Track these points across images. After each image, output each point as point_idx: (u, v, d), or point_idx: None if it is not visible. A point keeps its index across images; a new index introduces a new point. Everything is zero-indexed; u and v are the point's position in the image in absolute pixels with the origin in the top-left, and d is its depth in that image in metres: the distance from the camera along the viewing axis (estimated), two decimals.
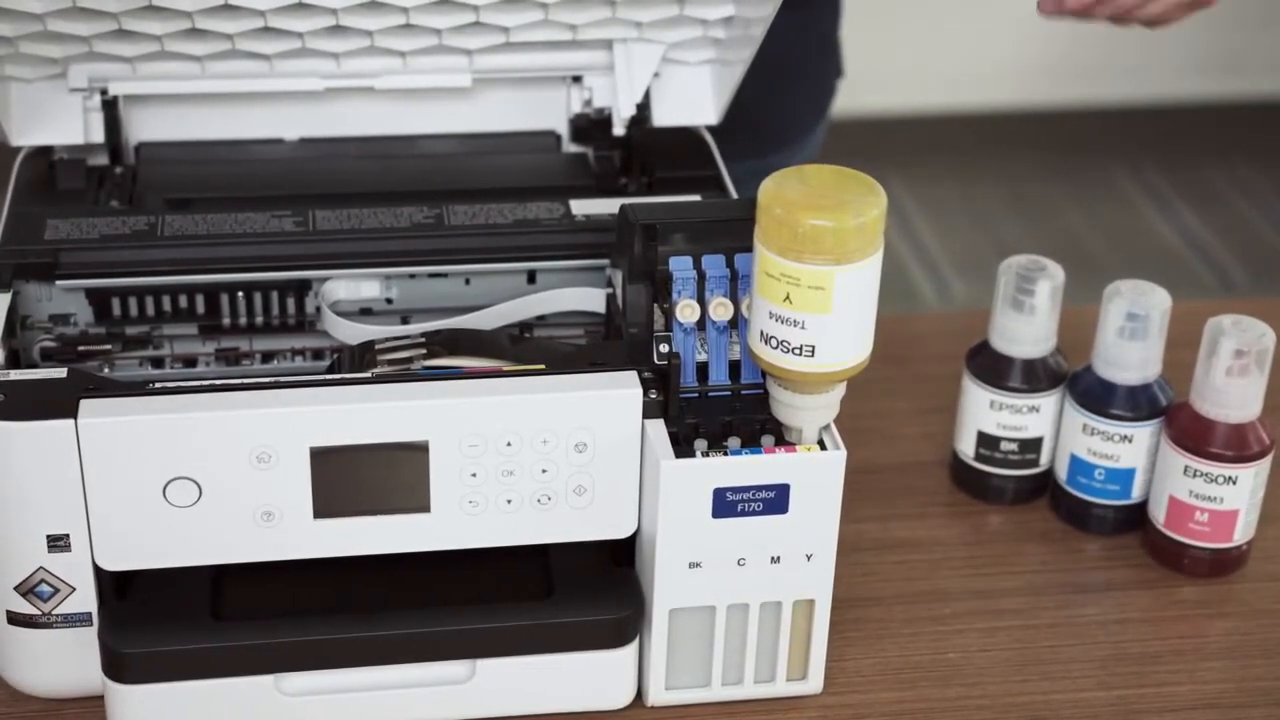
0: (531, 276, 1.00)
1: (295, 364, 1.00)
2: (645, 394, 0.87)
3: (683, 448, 0.87)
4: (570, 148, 1.12)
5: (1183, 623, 1.01)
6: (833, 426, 0.88)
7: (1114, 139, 3.29)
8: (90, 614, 0.88)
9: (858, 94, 3.28)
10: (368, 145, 1.10)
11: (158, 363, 0.99)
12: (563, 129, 1.12)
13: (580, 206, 1.01)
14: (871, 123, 3.20)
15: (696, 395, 0.89)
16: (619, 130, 1.09)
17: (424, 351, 0.91)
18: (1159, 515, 1.04)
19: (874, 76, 3.29)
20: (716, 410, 0.89)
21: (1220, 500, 1.01)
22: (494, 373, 0.88)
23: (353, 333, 0.96)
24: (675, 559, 0.88)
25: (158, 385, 0.85)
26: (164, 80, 1.05)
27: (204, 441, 0.84)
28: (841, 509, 0.88)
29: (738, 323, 0.89)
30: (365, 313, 1.00)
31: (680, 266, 0.88)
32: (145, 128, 1.08)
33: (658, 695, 0.92)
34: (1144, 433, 1.04)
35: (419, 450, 0.85)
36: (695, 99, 1.11)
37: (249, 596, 0.90)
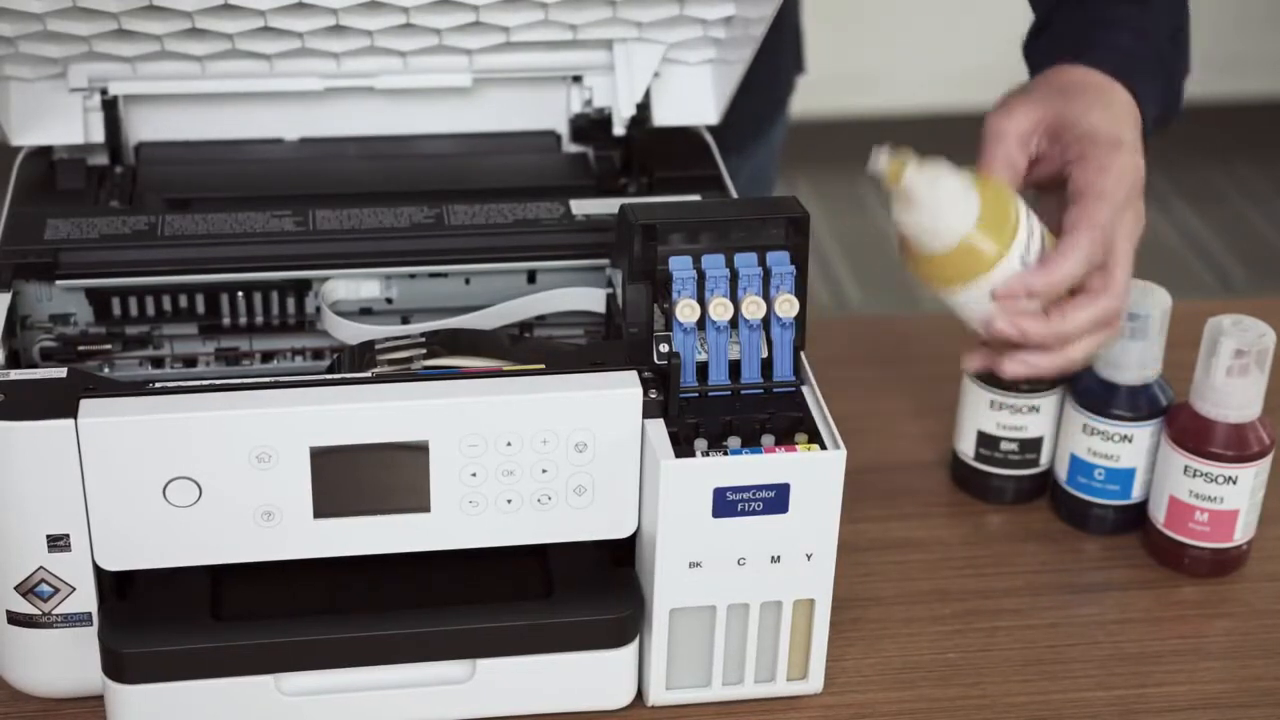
0: (531, 276, 1.00)
1: (295, 364, 1.00)
2: (645, 394, 0.87)
3: (683, 447, 0.87)
4: (570, 148, 1.11)
5: (1183, 623, 1.01)
6: (833, 426, 0.88)
7: None
8: (90, 614, 0.88)
9: (858, 94, 3.28)
10: (368, 145, 1.10)
11: (158, 363, 0.99)
12: (563, 129, 1.12)
13: (580, 206, 1.01)
14: (872, 123, 3.20)
15: (696, 395, 0.89)
16: (619, 130, 1.09)
17: (424, 351, 0.91)
18: (1159, 515, 1.04)
19: (874, 77, 3.29)
20: (716, 410, 0.89)
21: (1220, 500, 1.01)
22: (494, 373, 0.88)
23: (353, 333, 0.96)
24: (675, 559, 0.88)
25: (158, 385, 0.85)
26: (164, 80, 1.05)
27: (204, 441, 0.84)
28: (841, 509, 0.88)
29: (738, 322, 0.89)
30: (365, 313, 1.00)
31: (680, 266, 0.88)
32: (145, 128, 1.08)
33: (658, 695, 0.92)
34: (1144, 433, 1.04)
35: (419, 450, 0.85)
36: (695, 99, 1.11)
37: (249, 596, 0.90)
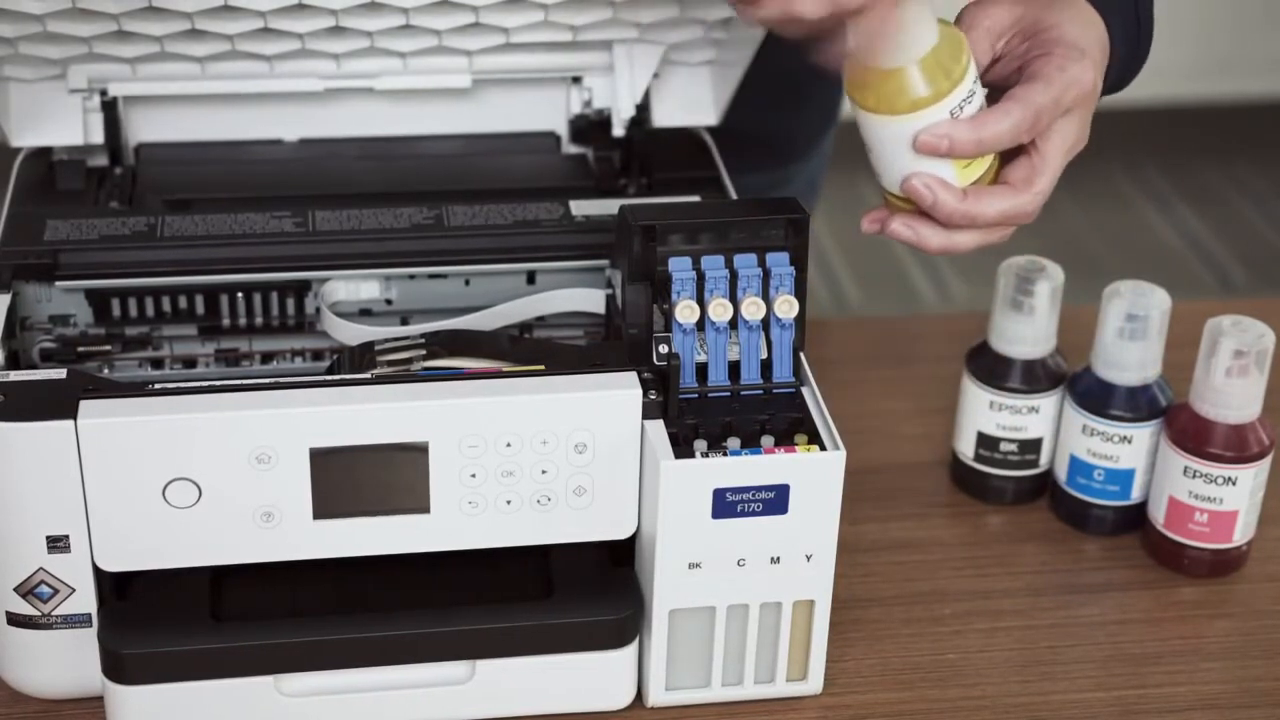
0: (531, 277, 1.00)
1: (295, 365, 1.00)
2: (645, 394, 0.87)
3: (682, 448, 0.87)
4: (570, 148, 1.11)
5: (1183, 623, 1.01)
6: (832, 427, 0.88)
7: (1114, 139, 3.29)
8: (90, 615, 0.88)
9: None
10: (367, 146, 1.10)
11: (157, 363, 0.99)
12: (562, 130, 1.12)
13: (580, 207, 1.01)
14: None
15: (696, 396, 0.89)
16: (619, 131, 1.09)
17: (424, 352, 0.91)
18: (1159, 516, 1.04)
19: None
20: (716, 410, 0.89)
21: (1220, 501, 1.01)
22: (493, 373, 0.88)
23: (352, 333, 0.96)
24: (675, 559, 0.88)
25: (157, 386, 0.86)
26: (164, 81, 1.05)
27: (204, 442, 0.84)
28: (841, 509, 0.88)
29: (737, 323, 0.89)
30: (365, 313, 1.00)
31: (679, 267, 0.88)
32: (145, 128, 1.08)
33: (658, 695, 0.92)
34: (1143, 433, 1.04)
35: (418, 451, 0.85)
36: (695, 100, 1.11)
37: (249, 597, 0.90)
